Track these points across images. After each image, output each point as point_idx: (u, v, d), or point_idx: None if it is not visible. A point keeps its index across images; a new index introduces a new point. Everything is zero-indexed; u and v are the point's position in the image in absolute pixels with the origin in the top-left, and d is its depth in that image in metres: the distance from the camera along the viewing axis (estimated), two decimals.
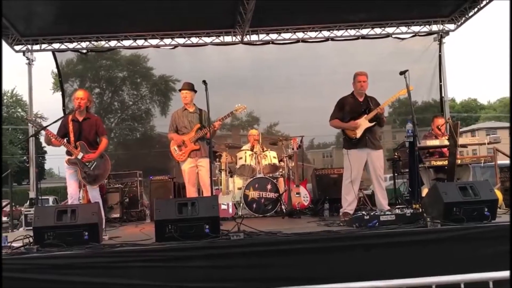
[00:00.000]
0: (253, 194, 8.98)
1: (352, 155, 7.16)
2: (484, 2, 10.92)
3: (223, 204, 8.60)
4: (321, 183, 9.53)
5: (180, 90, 8.05)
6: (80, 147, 6.88)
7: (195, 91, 7.92)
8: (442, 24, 11.95)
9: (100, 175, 7.01)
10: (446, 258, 5.09)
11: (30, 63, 11.64)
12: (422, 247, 5.15)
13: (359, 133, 7.16)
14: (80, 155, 6.85)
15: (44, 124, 7.04)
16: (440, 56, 12.07)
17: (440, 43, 12.04)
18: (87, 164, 6.87)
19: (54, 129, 6.98)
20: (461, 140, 7.82)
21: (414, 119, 6.54)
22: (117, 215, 9.62)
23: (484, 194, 5.64)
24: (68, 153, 6.95)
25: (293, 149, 9.18)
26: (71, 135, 6.89)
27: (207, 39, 11.90)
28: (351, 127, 7.19)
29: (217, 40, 11.92)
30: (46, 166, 47.57)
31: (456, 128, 7.66)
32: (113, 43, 11.91)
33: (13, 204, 10.69)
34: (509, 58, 6.80)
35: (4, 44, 11.00)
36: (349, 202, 7.14)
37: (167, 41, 11.84)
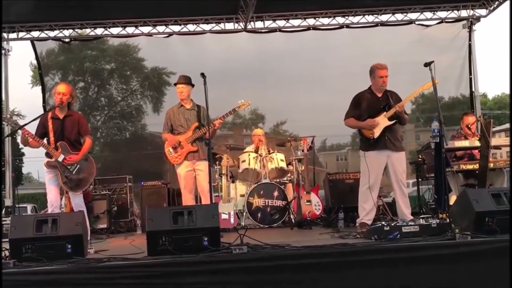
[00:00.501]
0: (257, 202, 8.98)
1: (370, 157, 7.16)
2: None
3: (223, 213, 8.59)
4: (335, 190, 9.54)
5: (175, 84, 8.06)
6: (61, 148, 6.89)
7: (193, 85, 7.93)
8: (472, 9, 11.91)
9: (84, 180, 7.02)
10: (477, 274, 5.07)
11: (6, 53, 11.66)
12: (450, 262, 5.13)
13: (377, 132, 7.15)
14: (61, 157, 6.86)
15: (22, 122, 7.02)
16: (470, 45, 12.05)
17: (470, 31, 12.01)
18: (68, 167, 6.88)
19: (32, 128, 7.00)
20: (494, 141, 7.78)
21: (440, 117, 6.49)
22: (104, 226, 9.62)
23: None
24: (48, 154, 6.96)
25: (303, 151, 9.17)
26: (51, 135, 6.90)
27: (206, 27, 11.91)
28: (368, 125, 7.18)
29: (217, 28, 11.92)
30: (24, 170, 47.43)
31: (489, 127, 7.62)
32: (99, 31, 11.93)
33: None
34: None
35: None
36: (366, 211, 7.14)
37: (161, 28, 11.85)
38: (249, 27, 11.74)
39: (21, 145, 8.02)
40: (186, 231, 5.29)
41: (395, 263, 5.10)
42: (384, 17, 11.93)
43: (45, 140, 6.93)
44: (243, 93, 11.33)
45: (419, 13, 11.94)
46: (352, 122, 7.41)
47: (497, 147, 8.33)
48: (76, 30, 11.97)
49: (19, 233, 5.34)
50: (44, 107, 11.82)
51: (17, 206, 8.08)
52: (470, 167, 8.13)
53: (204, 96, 6.60)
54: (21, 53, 13.01)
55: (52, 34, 11.79)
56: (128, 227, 10.12)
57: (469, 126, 8.71)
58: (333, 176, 9.80)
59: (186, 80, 7.94)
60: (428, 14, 11.98)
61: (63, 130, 6.99)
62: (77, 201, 7.11)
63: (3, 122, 8.22)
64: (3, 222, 8.80)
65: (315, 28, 12.00)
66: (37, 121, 7.06)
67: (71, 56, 13.14)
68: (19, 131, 6.99)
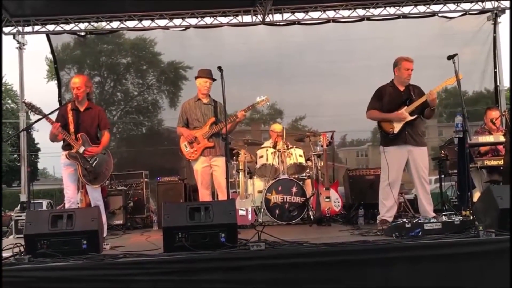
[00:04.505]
0: (275, 198, 8.96)
1: (390, 153, 7.12)
2: None
3: (241, 209, 8.60)
4: (354, 186, 9.50)
5: (199, 77, 8.00)
6: (82, 140, 6.92)
7: (214, 80, 7.89)
8: (497, 1, 11.77)
9: (102, 173, 7.08)
10: (502, 273, 5.03)
11: (21, 47, 11.68)
12: (473, 260, 5.10)
13: (397, 127, 7.11)
14: (81, 149, 6.89)
15: (36, 118, 7.00)
16: (494, 38, 11.90)
17: (495, 23, 11.86)
18: (88, 159, 6.93)
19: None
20: None
21: (464, 112, 6.46)
22: (120, 222, 9.64)
23: None
24: (66, 148, 6.99)
25: (322, 146, 9.14)
26: (71, 126, 6.94)
27: (223, 19, 11.86)
28: (397, 117, 7.10)
29: (234, 21, 11.88)
30: (40, 166, 47.88)
31: None
32: (115, 24, 11.93)
33: (2, 208, 10.80)
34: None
35: None
36: (387, 207, 7.10)
37: (177, 21, 11.83)
38: (267, 19, 11.68)
39: (37, 140, 8.04)
40: (203, 227, 5.31)
41: (417, 261, 5.08)
42: (406, 9, 11.78)
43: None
44: (261, 88, 11.34)
45: (442, 5, 11.79)
46: (375, 114, 7.31)
47: None
48: (92, 23, 11.97)
49: (35, 228, 5.39)
50: (60, 101, 11.89)
51: (32, 201, 8.11)
52: (494, 163, 8.09)
53: (220, 91, 6.61)
54: (37, 47, 13.08)
55: (67, 27, 11.80)
56: (144, 223, 10.16)
57: (493, 120, 8.64)
58: (353, 172, 9.75)
59: (211, 74, 7.91)
60: (452, 6, 11.83)
61: (83, 123, 7.04)
62: (95, 195, 7.16)
63: (20, 117, 8.24)
64: (18, 218, 8.91)
65: (335, 20, 11.90)
66: (55, 114, 7.10)
67: (86, 50, 13.21)
68: (35, 126, 7.03)
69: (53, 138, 6.97)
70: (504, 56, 11.85)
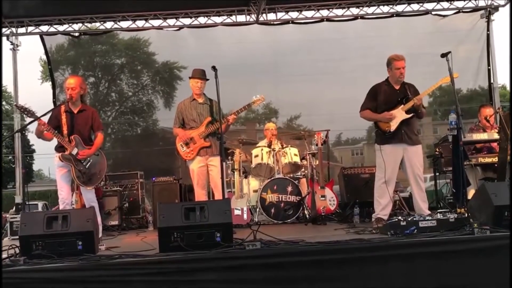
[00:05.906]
0: (271, 197, 8.97)
1: (386, 151, 7.13)
2: None
3: (236, 209, 8.59)
4: (350, 184, 9.52)
5: (191, 78, 8.00)
6: (75, 142, 6.92)
7: (207, 80, 7.90)
8: None
9: (96, 175, 7.07)
10: (496, 271, 5.04)
11: (14, 48, 11.60)
12: (469, 258, 5.11)
13: (393, 126, 7.13)
14: (74, 151, 6.88)
15: (30, 120, 7.00)
16: (488, 35, 11.90)
17: (488, 21, 11.86)
18: (82, 161, 6.92)
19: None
20: None
21: (458, 109, 6.47)
22: (115, 222, 9.66)
23: None
24: (59, 149, 6.99)
25: (317, 145, 9.14)
26: (64, 128, 6.93)
27: (217, 19, 11.85)
28: (385, 118, 7.15)
29: (228, 20, 11.86)
30: (35, 167, 47.61)
31: (508, 120, 7.57)
32: (109, 24, 11.88)
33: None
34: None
35: None
36: (382, 205, 7.12)
37: (171, 21, 11.80)
38: (261, 19, 11.67)
39: (32, 142, 8.02)
40: (198, 227, 5.31)
41: (412, 259, 5.09)
42: (399, 8, 11.78)
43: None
44: (256, 87, 11.33)
45: (435, 3, 11.80)
46: (368, 114, 7.38)
47: None
48: (86, 24, 11.93)
49: (30, 230, 5.39)
50: (54, 102, 11.86)
51: (27, 203, 8.07)
52: (488, 160, 8.11)
53: (214, 90, 6.61)
54: (30, 48, 13.01)
55: (61, 28, 11.75)
56: (140, 224, 10.16)
57: (488, 118, 8.67)
58: (348, 171, 9.78)
59: (203, 74, 7.90)
60: (445, 4, 11.83)
61: (76, 125, 7.03)
62: (89, 197, 7.15)
63: (14, 119, 8.17)
64: (14, 220, 8.89)
65: (328, 19, 11.88)
66: (48, 116, 7.09)
67: (81, 51, 13.16)
68: (29, 127, 7.02)
69: (39, 134, 6.95)
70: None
